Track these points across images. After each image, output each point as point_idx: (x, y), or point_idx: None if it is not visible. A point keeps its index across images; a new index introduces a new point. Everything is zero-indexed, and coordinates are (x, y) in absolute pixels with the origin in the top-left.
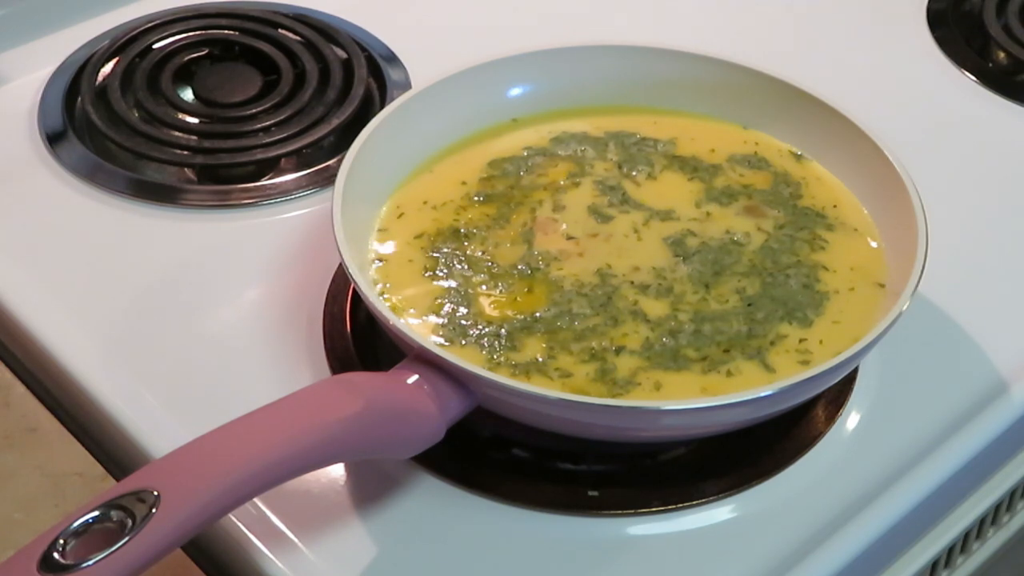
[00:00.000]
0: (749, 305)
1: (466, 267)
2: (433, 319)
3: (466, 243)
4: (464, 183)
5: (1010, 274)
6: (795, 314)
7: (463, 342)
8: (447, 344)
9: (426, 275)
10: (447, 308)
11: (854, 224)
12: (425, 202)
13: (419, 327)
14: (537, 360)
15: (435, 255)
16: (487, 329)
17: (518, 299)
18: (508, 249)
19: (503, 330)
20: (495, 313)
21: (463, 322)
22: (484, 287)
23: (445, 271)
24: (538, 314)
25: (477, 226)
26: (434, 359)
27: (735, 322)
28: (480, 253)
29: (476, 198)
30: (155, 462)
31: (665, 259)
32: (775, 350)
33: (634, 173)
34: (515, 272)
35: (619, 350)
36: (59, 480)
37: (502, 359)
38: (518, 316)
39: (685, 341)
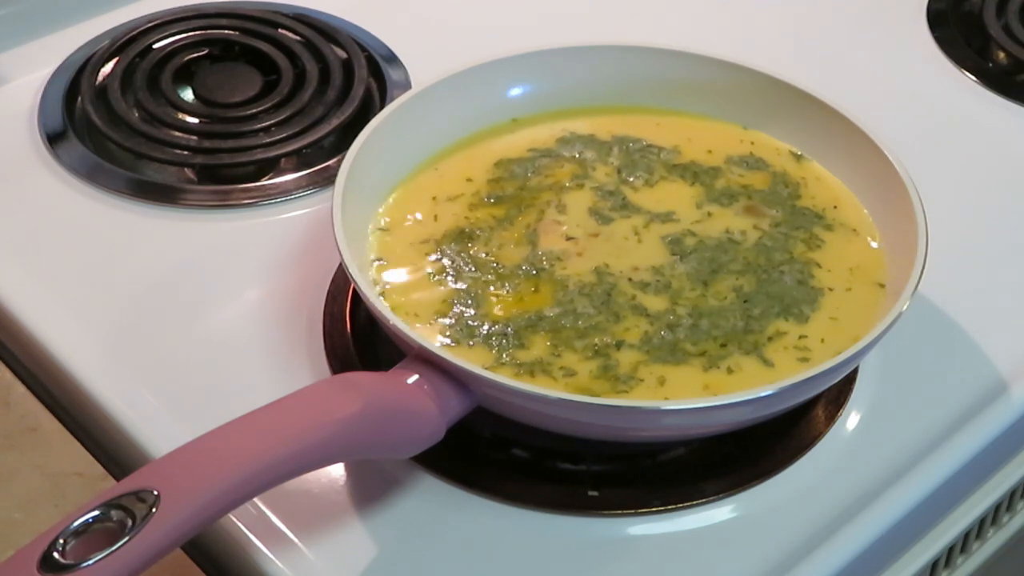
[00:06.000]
0: (745, 302)
1: (472, 268)
2: (440, 320)
3: (470, 244)
4: (469, 180)
5: (1010, 274)
6: (791, 310)
7: (471, 342)
8: (454, 345)
9: (430, 276)
10: (455, 309)
11: (854, 224)
12: (431, 199)
13: (425, 328)
14: (542, 359)
15: (438, 256)
16: (494, 328)
17: (524, 299)
18: (512, 250)
19: (509, 328)
20: (501, 313)
21: (471, 323)
22: (492, 288)
23: (451, 272)
24: (543, 313)
25: (481, 227)
26: (434, 359)
27: (731, 318)
28: (484, 254)
29: (487, 199)
30: (155, 462)
31: (663, 258)
32: (773, 346)
33: (631, 179)
34: (520, 272)
35: (619, 344)
36: (59, 480)
37: (509, 359)
38: (524, 315)
39: (683, 335)
